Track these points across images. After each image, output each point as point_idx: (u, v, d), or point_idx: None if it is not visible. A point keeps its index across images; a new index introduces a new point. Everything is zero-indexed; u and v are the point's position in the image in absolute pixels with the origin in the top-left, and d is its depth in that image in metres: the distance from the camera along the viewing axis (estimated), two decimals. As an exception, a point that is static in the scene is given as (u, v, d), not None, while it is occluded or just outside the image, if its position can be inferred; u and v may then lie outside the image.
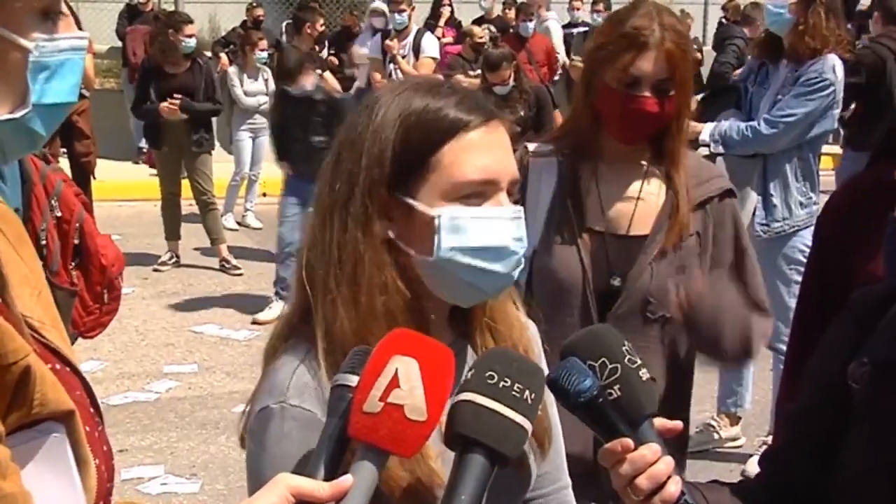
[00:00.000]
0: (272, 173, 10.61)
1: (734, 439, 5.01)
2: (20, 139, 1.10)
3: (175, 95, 7.74)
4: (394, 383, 1.14)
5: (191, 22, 8.06)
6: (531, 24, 10.91)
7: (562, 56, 11.65)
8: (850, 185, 2.52)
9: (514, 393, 1.19)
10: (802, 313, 2.47)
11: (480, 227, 1.37)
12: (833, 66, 4.39)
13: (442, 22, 12.28)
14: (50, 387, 1.05)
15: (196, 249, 8.58)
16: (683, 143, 2.43)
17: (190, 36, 7.88)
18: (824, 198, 4.97)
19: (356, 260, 1.38)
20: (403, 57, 8.52)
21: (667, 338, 2.37)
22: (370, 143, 1.38)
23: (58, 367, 1.12)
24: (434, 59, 8.67)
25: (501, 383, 1.19)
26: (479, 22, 11.92)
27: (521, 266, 1.43)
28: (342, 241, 1.39)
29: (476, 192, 1.38)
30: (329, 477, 1.16)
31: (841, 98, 4.50)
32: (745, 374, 4.93)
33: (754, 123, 4.48)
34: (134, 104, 8.40)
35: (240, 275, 8.08)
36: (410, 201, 1.38)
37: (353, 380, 1.19)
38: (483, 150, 1.38)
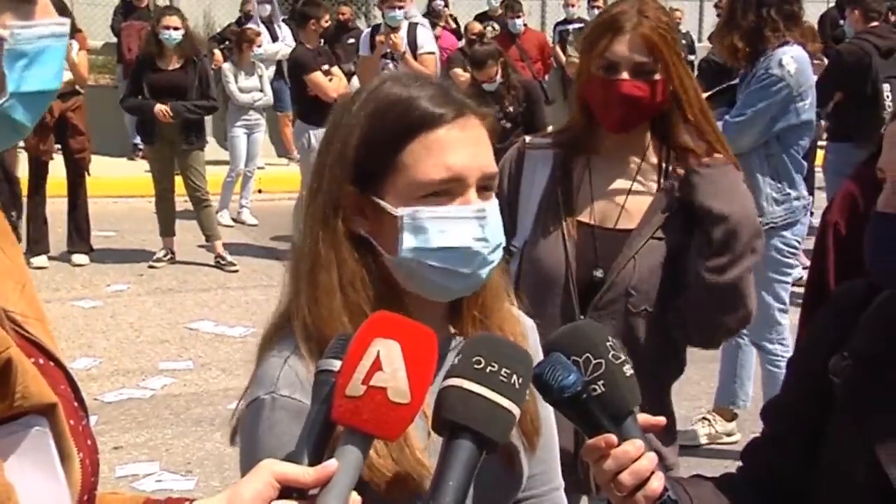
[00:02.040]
0: (268, 169, 10.67)
1: (729, 434, 5.01)
2: (1, 129, 1.08)
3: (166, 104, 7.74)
4: (376, 366, 1.13)
5: (173, 14, 8.03)
6: (519, 21, 10.97)
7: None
8: (857, 179, 2.49)
9: (501, 378, 1.18)
10: (811, 308, 2.45)
11: (441, 227, 1.36)
12: (780, 61, 4.37)
13: (443, 20, 12.24)
14: (32, 380, 1.04)
15: (191, 246, 8.56)
16: (708, 120, 2.38)
17: (174, 28, 7.85)
18: (818, 193, 4.94)
19: (316, 255, 1.38)
20: (404, 53, 8.44)
21: (649, 331, 2.36)
22: (340, 136, 1.38)
23: (41, 361, 1.11)
24: (433, 53, 8.59)
25: (488, 368, 1.19)
26: (481, 18, 11.92)
27: (493, 264, 1.42)
28: (310, 237, 1.40)
29: (442, 191, 1.36)
30: (314, 462, 1.16)
31: (806, 90, 4.45)
32: (743, 371, 4.92)
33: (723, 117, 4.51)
34: (123, 97, 8.37)
35: (235, 271, 8.06)
36: (377, 200, 1.37)
37: (336, 364, 1.18)
38: (450, 148, 1.36)
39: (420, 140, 1.36)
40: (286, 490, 1.15)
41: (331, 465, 1.14)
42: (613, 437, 1.30)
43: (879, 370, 1.43)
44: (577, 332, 1.36)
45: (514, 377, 1.19)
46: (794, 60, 4.39)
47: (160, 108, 7.74)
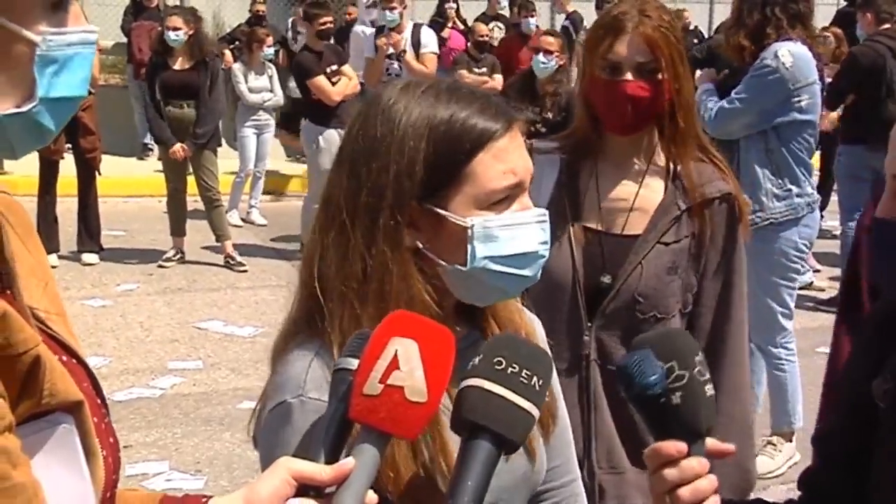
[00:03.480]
0: (278, 170, 10.68)
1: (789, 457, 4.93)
2: (29, 133, 1.09)
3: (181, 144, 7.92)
4: (393, 365, 1.13)
5: (175, 15, 8.05)
6: (532, 21, 10.87)
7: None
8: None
9: (521, 379, 1.18)
10: (846, 312, 2.43)
11: (511, 234, 1.39)
12: (775, 52, 4.39)
13: (450, 22, 12.22)
14: (59, 377, 1.05)
15: (201, 246, 8.57)
16: (690, 129, 2.39)
17: (175, 29, 7.88)
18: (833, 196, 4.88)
19: (384, 274, 1.36)
20: (404, 52, 8.44)
21: None
22: (397, 153, 1.36)
23: (64, 358, 1.11)
24: (435, 53, 8.58)
25: (510, 369, 1.19)
26: (483, 18, 11.89)
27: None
28: (366, 254, 1.37)
29: (505, 197, 1.39)
30: (330, 460, 1.16)
31: (804, 87, 4.45)
32: (756, 377, 4.89)
33: (717, 105, 4.55)
34: (146, 105, 8.44)
35: (244, 271, 8.07)
36: (442, 212, 1.37)
37: (354, 363, 1.18)
38: (509, 156, 1.39)
39: (486, 152, 1.37)
40: (303, 488, 1.16)
41: (348, 463, 1.14)
42: (685, 446, 1.25)
43: None
44: (669, 337, 1.34)
45: (535, 379, 1.19)
46: (790, 54, 4.39)
47: (178, 147, 7.92)
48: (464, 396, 1.19)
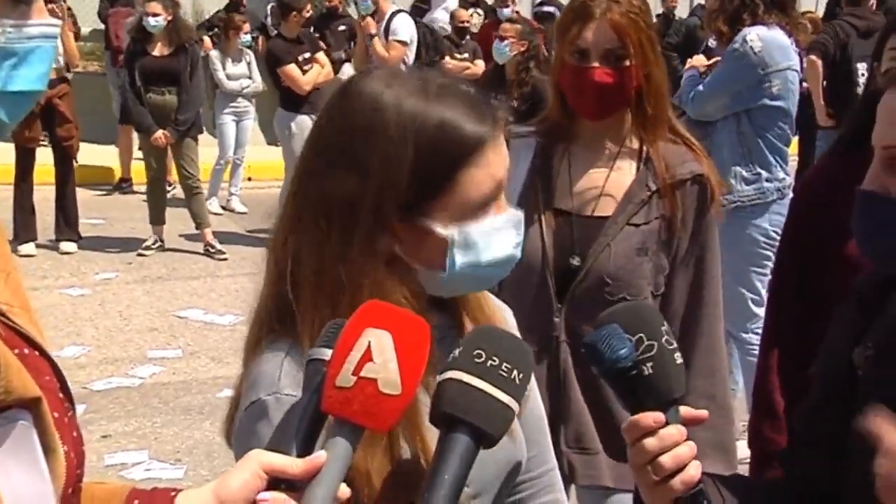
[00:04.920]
0: (257, 157, 10.62)
1: None
2: None
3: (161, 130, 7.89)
4: (367, 356, 1.11)
5: (154, 0, 7.98)
6: (508, 10, 10.89)
7: None
8: (824, 171, 2.46)
9: (501, 372, 1.17)
10: (777, 299, 2.43)
11: (490, 240, 1.36)
12: (745, 37, 4.43)
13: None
14: (15, 373, 1.02)
15: (181, 234, 8.53)
16: (660, 114, 2.40)
17: (154, 15, 7.82)
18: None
19: (359, 284, 1.32)
20: (375, 36, 8.39)
21: None
22: (381, 157, 1.30)
23: (26, 351, 1.09)
24: (403, 42, 8.50)
25: (489, 362, 1.17)
26: (466, 5, 11.84)
27: None
28: (341, 261, 1.32)
29: (487, 201, 1.36)
30: (303, 453, 1.14)
31: (776, 73, 4.46)
32: (733, 361, 4.90)
33: (699, 87, 4.61)
34: (124, 92, 8.43)
35: (224, 259, 8.04)
36: (425, 223, 1.33)
37: (328, 353, 1.16)
38: (496, 160, 1.35)
39: (472, 161, 1.33)
40: (274, 482, 1.14)
41: (320, 456, 1.12)
42: (662, 416, 1.27)
43: None
44: (634, 309, 1.34)
45: (515, 372, 1.17)
46: (759, 38, 4.41)
47: (159, 136, 7.87)
48: (442, 389, 1.17)
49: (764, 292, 4.70)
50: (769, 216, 4.57)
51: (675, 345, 1.30)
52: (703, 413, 1.37)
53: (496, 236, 1.37)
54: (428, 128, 1.31)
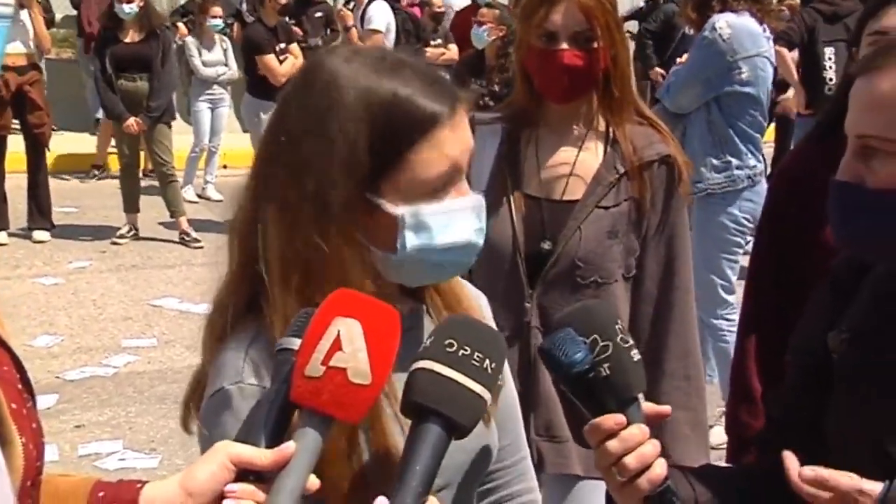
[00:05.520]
0: (233, 144, 10.55)
1: None
2: None
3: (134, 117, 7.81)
4: (336, 346, 1.09)
5: None
6: None
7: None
8: (801, 158, 2.46)
9: (473, 362, 1.15)
10: (755, 285, 2.43)
11: (444, 222, 1.32)
12: (713, 24, 4.44)
13: None
14: None
15: (155, 222, 8.46)
16: (627, 96, 2.39)
17: (129, 2, 7.74)
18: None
19: (335, 264, 1.29)
20: (352, 27, 8.38)
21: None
22: (340, 136, 1.28)
23: None
24: (377, 31, 8.46)
25: (461, 352, 1.16)
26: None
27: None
28: (316, 243, 1.29)
29: (442, 184, 1.32)
30: (271, 444, 1.12)
31: (744, 59, 4.46)
32: (706, 345, 4.93)
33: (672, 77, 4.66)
34: (96, 80, 8.29)
35: (200, 247, 7.98)
36: (377, 200, 1.30)
37: (297, 343, 1.14)
38: (452, 141, 1.32)
39: (428, 139, 1.30)
40: (242, 473, 1.12)
41: (288, 447, 1.11)
42: (623, 418, 1.26)
43: (876, 344, 1.40)
44: (587, 311, 1.33)
45: (487, 361, 1.16)
46: (728, 25, 4.42)
47: (131, 121, 7.79)
48: (414, 379, 1.15)
49: (734, 279, 4.74)
50: (740, 203, 4.59)
51: (631, 342, 1.29)
52: (666, 409, 1.37)
53: (453, 219, 1.33)
54: (381, 102, 1.29)
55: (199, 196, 9.56)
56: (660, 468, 1.28)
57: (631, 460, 1.27)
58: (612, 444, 1.27)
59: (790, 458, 1.30)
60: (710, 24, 4.44)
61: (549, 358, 1.26)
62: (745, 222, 4.66)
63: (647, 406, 1.32)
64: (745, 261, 4.45)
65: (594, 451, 1.30)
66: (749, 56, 4.47)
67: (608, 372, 1.26)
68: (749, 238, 4.66)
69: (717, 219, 4.57)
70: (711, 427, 4.74)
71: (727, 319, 4.72)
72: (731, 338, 4.70)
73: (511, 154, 2.42)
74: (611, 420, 1.27)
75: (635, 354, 1.29)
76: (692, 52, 4.59)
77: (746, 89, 4.52)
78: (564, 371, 1.25)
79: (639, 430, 1.27)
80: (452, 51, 9.23)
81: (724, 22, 4.42)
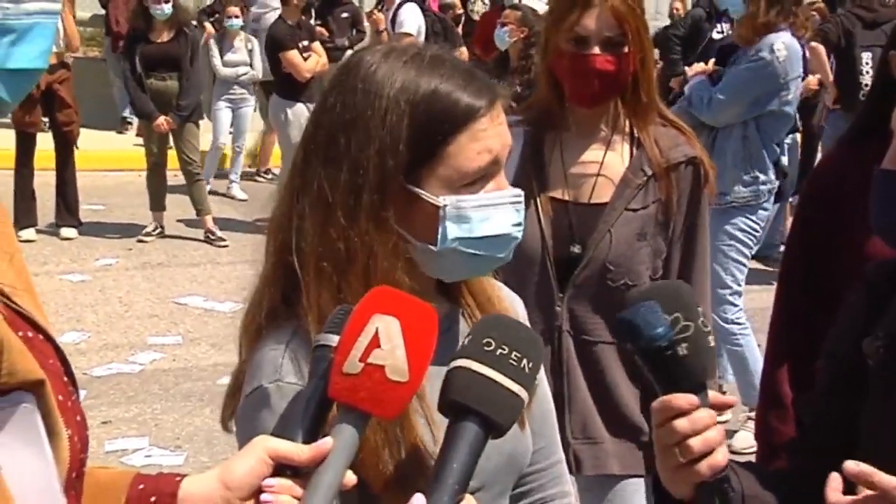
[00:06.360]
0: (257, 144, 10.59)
1: (720, 414, 4.99)
2: None
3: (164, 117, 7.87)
4: (374, 343, 1.10)
5: None
6: None
7: None
8: (832, 163, 2.45)
9: (511, 361, 1.16)
10: (786, 291, 2.43)
11: (484, 215, 1.34)
12: (771, 45, 4.44)
13: None
14: (18, 355, 1.01)
15: (181, 220, 8.51)
16: (652, 101, 2.41)
17: (165, 2, 7.78)
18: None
19: (369, 256, 1.31)
20: (384, 31, 8.39)
21: None
22: (378, 128, 1.31)
23: (30, 334, 1.08)
24: (409, 34, 8.46)
25: (499, 351, 1.16)
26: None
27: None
28: (349, 234, 1.31)
29: (481, 177, 1.34)
30: (309, 440, 1.13)
31: (791, 81, 4.51)
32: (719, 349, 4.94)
33: (712, 91, 4.60)
34: (126, 80, 8.33)
35: (225, 246, 8.02)
36: (417, 190, 1.32)
37: (335, 339, 1.15)
38: (490, 135, 1.34)
39: (467, 131, 1.32)
40: (280, 468, 1.13)
41: (326, 443, 1.11)
42: (695, 398, 1.25)
43: None
44: (675, 288, 1.31)
45: (525, 361, 1.16)
46: (785, 47, 4.45)
47: (161, 122, 7.85)
48: (451, 377, 1.16)
49: (743, 282, 4.83)
50: (758, 212, 4.70)
51: (710, 328, 1.28)
52: (732, 399, 1.36)
53: (492, 212, 1.35)
54: (422, 95, 1.32)
55: (224, 195, 9.60)
56: (721, 456, 1.27)
57: (696, 442, 1.25)
58: (681, 423, 1.25)
59: (835, 480, 1.28)
60: (767, 45, 4.43)
61: (630, 327, 1.24)
62: (759, 228, 4.76)
63: (713, 395, 1.30)
64: (753, 264, 4.53)
65: (656, 430, 1.28)
66: (795, 77, 4.54)
67: (685, 352, 1.24)
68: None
69: (734, 226, 4.65)
70: (735, 432, 4.76)
71: (738, 323, 4.78)
72: (744, 340, 4.78)
73: (535, 157, 2.43)
74: (684, 399, 1.24)
75: (711, 340, 1.27)
76: (742, 71, 4.53)
77: (786, 109, 4.59)
78: (645, 343, 1.23)
79: (708, 415, 1.26)
80: (463, 53, 9.25)
81: (781, 43, 4.44)
